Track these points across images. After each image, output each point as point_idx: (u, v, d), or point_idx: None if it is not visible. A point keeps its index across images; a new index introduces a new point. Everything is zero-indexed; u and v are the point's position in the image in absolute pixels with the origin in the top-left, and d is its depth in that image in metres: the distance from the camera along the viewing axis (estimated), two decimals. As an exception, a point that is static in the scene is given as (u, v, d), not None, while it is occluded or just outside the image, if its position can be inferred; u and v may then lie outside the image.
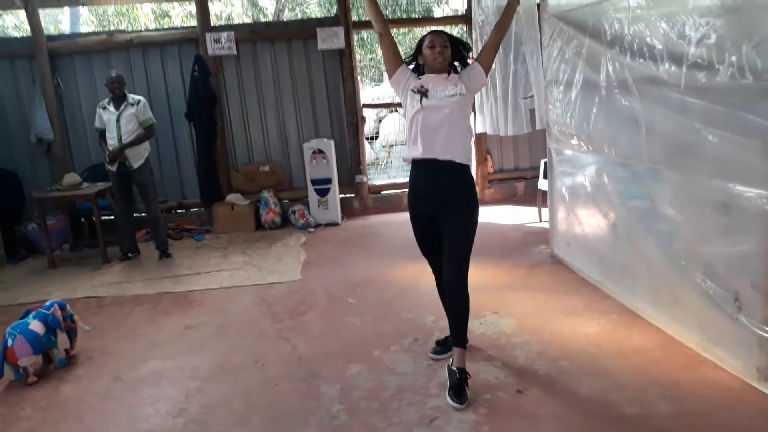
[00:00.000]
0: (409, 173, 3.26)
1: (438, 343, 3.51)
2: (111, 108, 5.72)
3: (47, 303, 3.68)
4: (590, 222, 4.36)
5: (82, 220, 6.74)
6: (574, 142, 4.44)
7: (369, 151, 8.54)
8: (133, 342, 3.97)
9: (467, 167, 3.15)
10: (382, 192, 7.52)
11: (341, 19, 7.01)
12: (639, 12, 3.37)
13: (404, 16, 11.94)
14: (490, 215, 6.67)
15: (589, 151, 4.22)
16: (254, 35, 7.07)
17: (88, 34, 7.72)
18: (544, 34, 4.75)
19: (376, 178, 8.48)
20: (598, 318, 3.78)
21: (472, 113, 6.46)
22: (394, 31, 12.10)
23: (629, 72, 3.54)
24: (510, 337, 3.61)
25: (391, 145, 8.61)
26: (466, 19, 7.08)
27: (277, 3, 11.88)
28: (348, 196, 7.33)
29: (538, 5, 4.81)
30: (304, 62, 7.14)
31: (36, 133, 6.81)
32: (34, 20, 6.69)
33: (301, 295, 4.62)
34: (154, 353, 3.77)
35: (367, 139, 8.76)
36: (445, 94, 3.05)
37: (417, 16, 11.97)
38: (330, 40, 6.99)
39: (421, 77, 3.14)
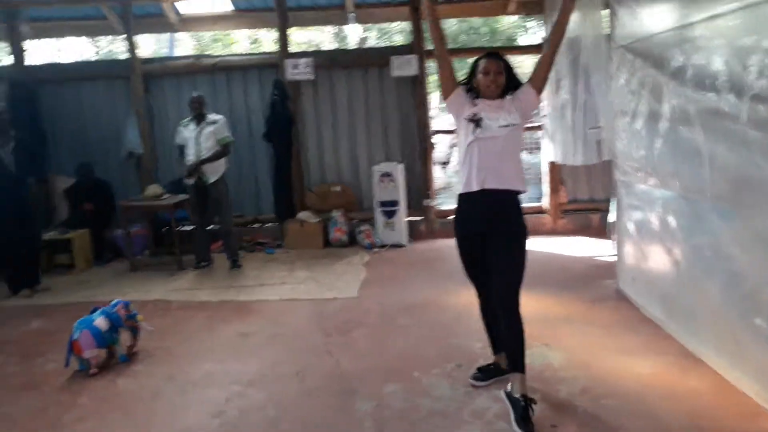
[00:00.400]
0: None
1: (480, 369, 3.46)
2: (191, 126, 6.09)
3: (113, 302, 3.94)
4: (654, 257, 4.17)
5: (163, 229, 7.14)
6: (639, 174, 4.28)
7: (441, 176, 8.57)
8: (190, 345, 4.17)
9: (516, 194, 3.12)
10: (449, 217, 7.50)
11: (415, 47, 7.14)
12: (702, 43, 3.24)
13: (486, 45, 11.99)
14: (559, 246, 6.49)
15: (653, 184, 4.06)
16: (332, 62, 7.33)
17: (177, 58, 8.29)
18: (612, 65, 4.64)
19: (446, 202, 8.47)
20: (654, 358, 3.59)
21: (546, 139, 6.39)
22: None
23: (691, 104, 3.40)
24: (556, 370, 3.51)
25: (464, 172, 8.60)
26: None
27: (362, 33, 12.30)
28: (415, 219, 7.37)
29: (607, 35, 4.72)
30: (378, 88, 7.32)
31: (127, 148, 7.33)
32: (131, 45, 7.25)
33: (354, 313, 4.69)
34: (207, 357, 3.94)
35: (441, 164, 8.83)
36: (498, 125, 3.04)
37: (500, 45, 11.98)
38: (403, 67, 7.13)
39: (475, 102, 3.13)
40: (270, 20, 7.54)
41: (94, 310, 3.89)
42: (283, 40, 7.29)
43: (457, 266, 4.55)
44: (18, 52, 7.48)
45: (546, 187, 7.33)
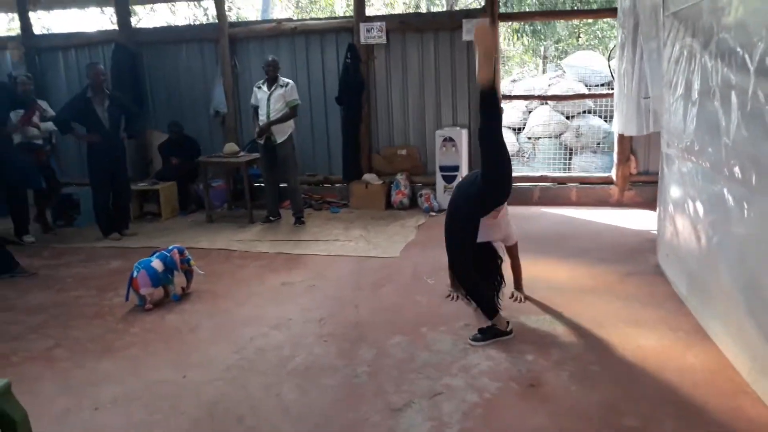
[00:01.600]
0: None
1: (480, 330, 3.65)
2: (264, 88, 6.53)
3: (170, 247, 4.48)
4: (683, 233, 4.10)
5: (238, 185, 7.73)
6: (679, 147, 4.19)
7: (513, 142, 8.54)
8: (237, 290, 4.66)
9: None
10: (514, 184, 7.51)
11: (488, 10, 7.12)
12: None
13: (571, 7, 11.50)
14: (619, 218, 6.39)
15: (688, 159, 3.98)
16: (404, 26, 7.47)
17: (261, 22, 8.74)
18: (664, 32, 4.49)
19: (518, 169, 8.47)
20: (664, 333, 3.61)
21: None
22: (545, 23, 11.58)
23: (717, 75, 3.31)
24: (557, 337, 3.63)
25: (537, 138, 8.50)
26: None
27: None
28: (479, 184, 7.45)
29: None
30: (449, 52, 7.38)
31: (214, 107, 7.95)
32: (220, 9, 7.78)
33: (389, 271, 4.98)
34: (248, 301, 4.41)
35: (514, 129, 8.78)
36: None
37: (570, 8, 11.42)
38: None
39: None
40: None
41: (154, 253, 4.44)
42: (360, 4, 7.51)
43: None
44: (123, 15, 8.22)
45: (615, 157, 7.15)
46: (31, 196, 6.65)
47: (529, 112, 8.69)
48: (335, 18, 8.62)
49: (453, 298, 4.28)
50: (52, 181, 6.70)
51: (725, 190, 3.29)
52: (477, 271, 3.76)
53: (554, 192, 7.33)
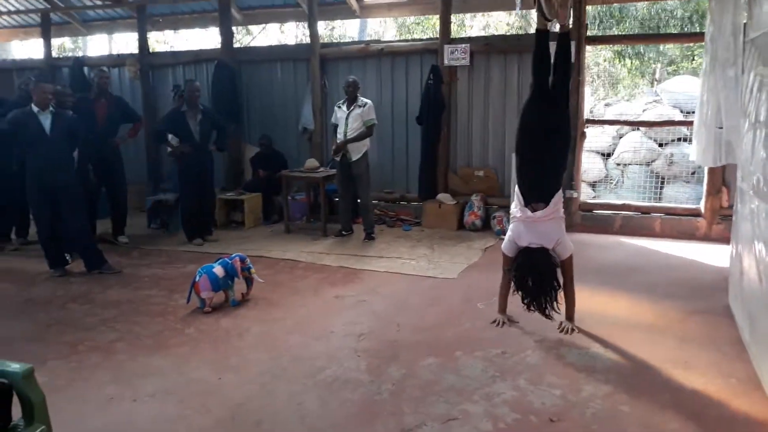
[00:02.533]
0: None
1: None
2: (344, 108, 6.77)
3: (233, 255, 4.76)
4: (749, 273, 3.82)
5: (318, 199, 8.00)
6: (752, 182, 3.91)
7: (600, 168, 8.23)
8: (292, 300, 4.86)
9: None
10: (594, 211, 7.27)
11: (574, 33, 6.95)
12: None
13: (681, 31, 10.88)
14: (703, 253, 6.01)
15: (756, 195, 3.71)
16: (489, 47, 7.47)
17: (350, 43, 9.07)
18: (745, 59, 4.23)
19: (604, 196, 8.17)
20: (712, 378, 3.39)
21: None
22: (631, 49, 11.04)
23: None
24: (595, 372, 3.50)
25: (626, 164, 8.14)
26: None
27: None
28: (557, 210, 7.27)
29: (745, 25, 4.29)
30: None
31: (302, 123, 8.32)
32: (312, 30, 8.17)
33: (442, 292, 4.99)
34: (298, 311, 4.60)
35: (603, 155, 8.47)
36: None
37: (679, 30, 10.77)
38: (560, 53, 7.00)
39: None
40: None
41: (218, 260, 4.74)
42: (445, 26, 7.61)
43: (581, 263, 4.66)
44: (227, 36, 8.81)
45: (704, 189, 6.72)
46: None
47: (620, 138, 8.35)
48: (421, 40, 8.78)
49: (499, 324, 4.23)
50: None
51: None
52: (527, 277, 3.82)
53: (637, 222, 6.99)
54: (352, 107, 6.71)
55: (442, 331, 4.17)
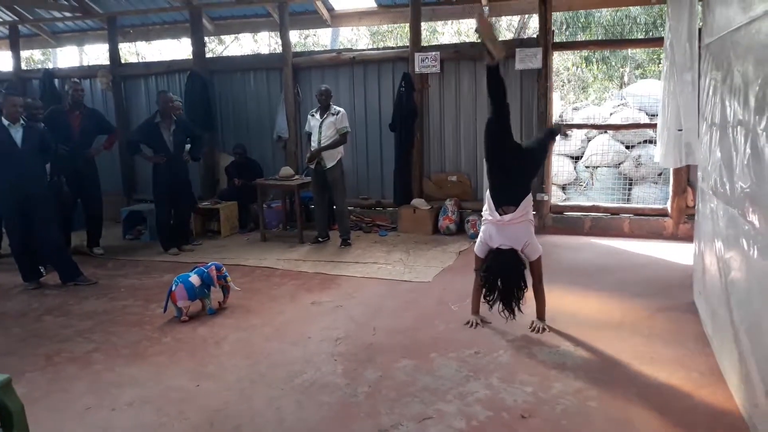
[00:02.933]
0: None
1: None
2: (317, 116, 6.85)
3: (209, 264, 4.79)
4: (710, 270, 3.97)
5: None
6: (710, 183, 4.07)
7: (570, 170, 8.41)
8: (269, 307, 4.91)
9: None
10: (565, 213, 7.43)
11: (541, 40, 7.14)
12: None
13: (644, 36, 11.19)
14: (671, 252, 6.18)
15: (714, 195, 3.86)
16: (458, 55, 7.61)
17: (322, 52, 9.14)
18: (700, 64, 4.40)
19: (575, 198, 8.34)
20: (676, 372, 3.51)
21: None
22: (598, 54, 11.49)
23: (733, 113, 3.23)
24: (565, 370, 3.60)
25: (595, 167, 8.33)
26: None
27: (519, 23, 12.19)
28: (529, 213, 7.41)
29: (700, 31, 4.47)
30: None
31: (277, 132, 8.37)
32: (285, 39, 8.23)
33: (417, 295, 5.08)
34: (275, 318, 4.64)
35: (572, 158, 8.66)
36: None
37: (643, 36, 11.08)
38: (528, 60, 7.18)
39: None
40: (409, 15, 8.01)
41: (194, 269, 4.77)
42: (415, 35, 7.74)
43: (554, 265, 4.80)
44: (199, 47, 8.83)
45: (671, 189, 6.92)
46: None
47: (589, 141, 8.54)
48: (392, 48, 8.88)
49: (472, 324, 4.32)
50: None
51: (738, 229, 3.19)
52: (497, 277, 3.95)
53: (606, 222, 7.17)
54: (325, 115, 6.78)
55: (417, 333, 4.25)
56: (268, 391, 3.43)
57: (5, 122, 5.37)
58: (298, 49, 10.17)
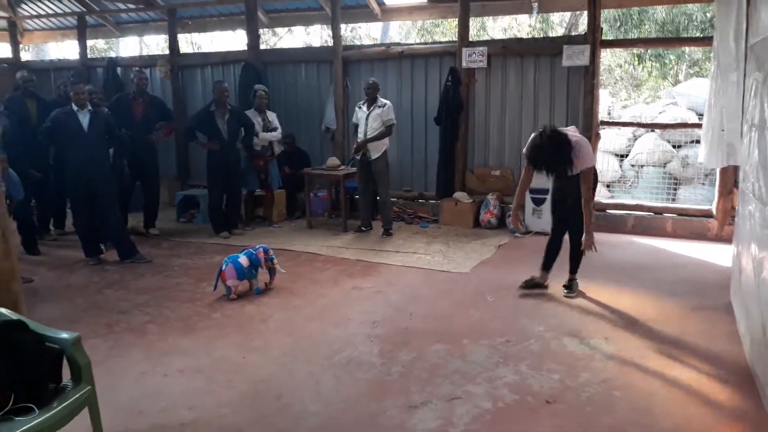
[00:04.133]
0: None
1: (525, 282, 4.93)
2: (364, 108, 7.05)
3: (257, 246, 5.06)
4: (746, 271, 4.00)
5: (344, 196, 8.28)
6: (749, 184, 4.09)
7: (615, 169, 8.39)
8: (312, 289, 5.15)
9: None
10: (608, 211, 7.44)
11: (589, 37, 7.15)
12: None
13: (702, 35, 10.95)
14: (713, 253, 6.15)
15: (754, 196, 3.89)
16: (506, 50, 7.68)
17: (372, 46, 9.33)
18: (746, 65, 4.40)
19: (620, 196, 8.32)
20: (703, 369, 3.59)
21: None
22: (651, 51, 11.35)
23: None
24: (593, 360, 3.72)
25: (641, 166, 8.28)
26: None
27: (570, 19, 12.10)
28: (571, 209, 7.45)
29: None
30: (549, 77, 7.48)
31: (325, 123, 8.62)
32: (335, 33, 8.46)
33: (454, 285, 5.23)
34: (318, 300, 4.88)
35: (618, 156, 8.63)
36: None
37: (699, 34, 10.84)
38: (575, 57, 7.20)
39: None
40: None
41: (243, 251, 5.04)
42: (463, 30, 7.84)
43: (592, 260, 4.96)
44: (253, 38, 9.13)
45: (716, 190, 6.85)
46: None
47: (636, 139, 8.50)
48: (440, 43, 9.04)
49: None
50: (266, 184, 7.64)
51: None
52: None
53: (649, 222, 7.15)
54: (372, 108, 6.98)
55: (451, 320, 4.41)
56: (308, 366, 3.67)
57: (74, 108, 5.76)
58: (348, 43, 10.38)
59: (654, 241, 6.74)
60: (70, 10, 10.56)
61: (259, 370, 3.61)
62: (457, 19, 8.05)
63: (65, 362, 2.51)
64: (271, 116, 7.66)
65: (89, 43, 13.32)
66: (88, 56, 10.95)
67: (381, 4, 8.79)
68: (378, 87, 7.07)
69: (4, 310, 2.55)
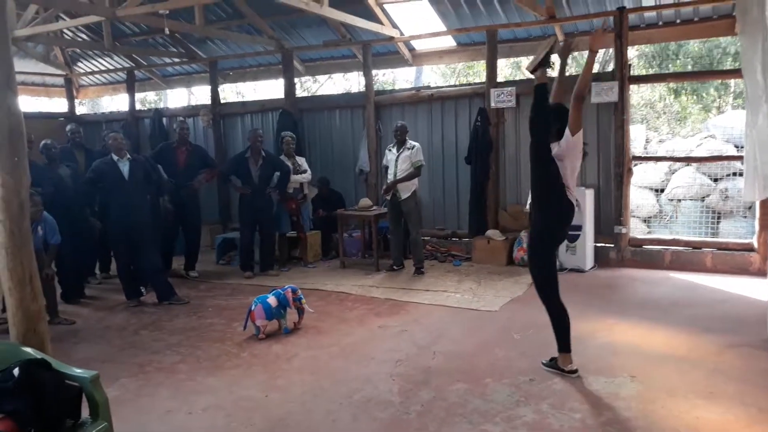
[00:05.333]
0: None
1: (551, 359, 4.15)
2: (393, 150, 7.20)
3: (285, 286, 5.18)
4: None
5: (377, 236, 8.39)
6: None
7: (652, 203, 8.24)
8: (339, 328, 5.21)
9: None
10: (644, 246, 7.29)
11: (617, 74, 7.16)
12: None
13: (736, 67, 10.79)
14: (754, 288, 5.94)
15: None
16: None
17: (402, 90, 9.55)
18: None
19: (658, 231, 8.16)
20: (732, 407, 3.47)
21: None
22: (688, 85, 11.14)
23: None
24: (617, 399, 3.64)
25: (679, 200, 8.12)
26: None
27: (603, 56, 12.08)
28: (606, 245, 7.35)
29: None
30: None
31: (359, 166, 8.80)
32: (368, 80, 8.71)
33: (482, 323, 5.21)
34: (344, 339, 4.93)
35: (655, 190, 8.49)
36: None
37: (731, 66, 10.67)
38: (604, 93, 7.20)
39: None
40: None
41: (272, 291, 5.17)
42: (491, 71, 7.97)
43: (631, 297, 4.92)
44: (290, 87, 9.49)
45: (757, 223, 6.65)
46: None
47: (672, 173, 8.36)
48: (469, 84, 9.15)
49: None
50: (298, 226, 7.88)
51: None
52: None
53: (687, 256, 6.97)
54: (401, 150, 7.11)
55: (475, 359, 4.39)
56: (327, 404, 3.71)
57: (115, 158, 6.08)
58: (379, 88, 10.68)
59: (692, 277, 6.56)
60: (120, 66, 11.21)
61: (278, 408, 3.67)
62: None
63: (84, 400, 2.63)
64: (300, 160, 7.93)
65: (140, 95, 14.08)
66: (137, 108, 11.54)
67: (411, 49, 9.03)
68: (406, 129, 7.22)
69: (29, 350, 2.71)
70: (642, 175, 8.28)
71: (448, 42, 8.72)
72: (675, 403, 3.56)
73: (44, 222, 5.47)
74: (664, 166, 8.46)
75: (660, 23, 7.48)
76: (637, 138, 9.07)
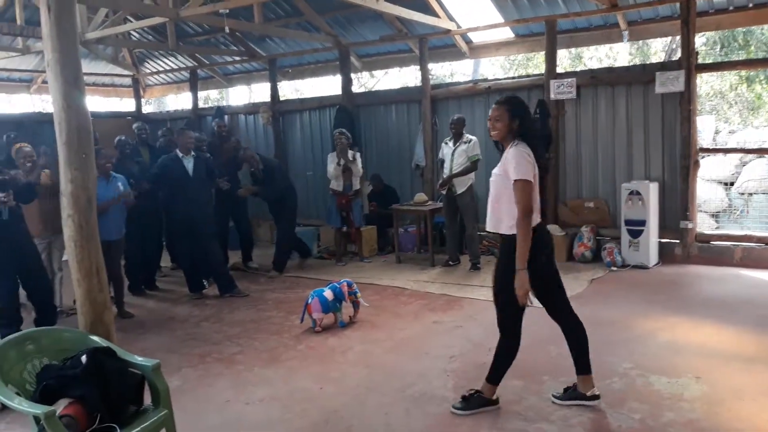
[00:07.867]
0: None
1: (565, 389, 3.63)
2: (450, 144, 7.14)
3: (341, 280, 5.24)
4: None
5: (433, 231, 8.36)
6: None
7: (722, 198, 7.89)
8: (393, 323, 5.23)
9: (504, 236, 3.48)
10: (712, 242, 6.98)
11: (683, 62, 6.87)
12: None
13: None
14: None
15: None
16: (595, 80, 7.52)
17: (458, 83, 9.43)
18: None
19: (728, 227, 7.80)
20: (808, 414, 3.28)
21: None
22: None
23: None
24: (681, 400, 3.51)
25: (750, 194, 7.73)
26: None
27: (669, 45, 11.58)
28: (671, 241, 7.08)
29: None
30: (642, 105, 7.23)
31: (415, 161, 8.78)
32: (424, 73, 8.67)
33: (537, 320, 5.04)
34: (398, 333, 4.95)
35: (724, 184, 8.12)
36: (494, 171, 3.39)
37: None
38: (669, 83, 6.92)
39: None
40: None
41: (328, 284, 5.23)
42: (551, 62, 7.79)
43: (697, 295, 4.71)
44: (347, 83, 9.55)
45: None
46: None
47: (743, 165, 7.97)
48: (527, 76, 8.97)
49: None
50: (348, 221, 7.97)
51: None
52: None
53: (759, 253, 6.63)
54: (458, 143, 7.06)
55: (531, 356, 4.29)
56: (380, 398, 3.73)
57: (179, 154, 6.29)
58: (438, 81, 10.59)
59: (765, 274, 6.24)
60: (184, 65, 11.58)
61: (332, 400, 3.72)
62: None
63: (147, 387, 2.74)
64: (352, 155, 7.86)
65: (203, 93, 14.49)
66: (200, 106, 11.89)
67: (468, 42, 8.94)
68: (464, 122, 7.16)
69: (96, 338, 2.84)
70: (710, 168, 7.93)
71: (506, 33, 8.59)
72: (743, 405, 3.41)
73: (115, 178, 5.80)
74: (735, 158, 8.09)
75: (731, 8, 7.13)
76: (706, 129, 8.69)
